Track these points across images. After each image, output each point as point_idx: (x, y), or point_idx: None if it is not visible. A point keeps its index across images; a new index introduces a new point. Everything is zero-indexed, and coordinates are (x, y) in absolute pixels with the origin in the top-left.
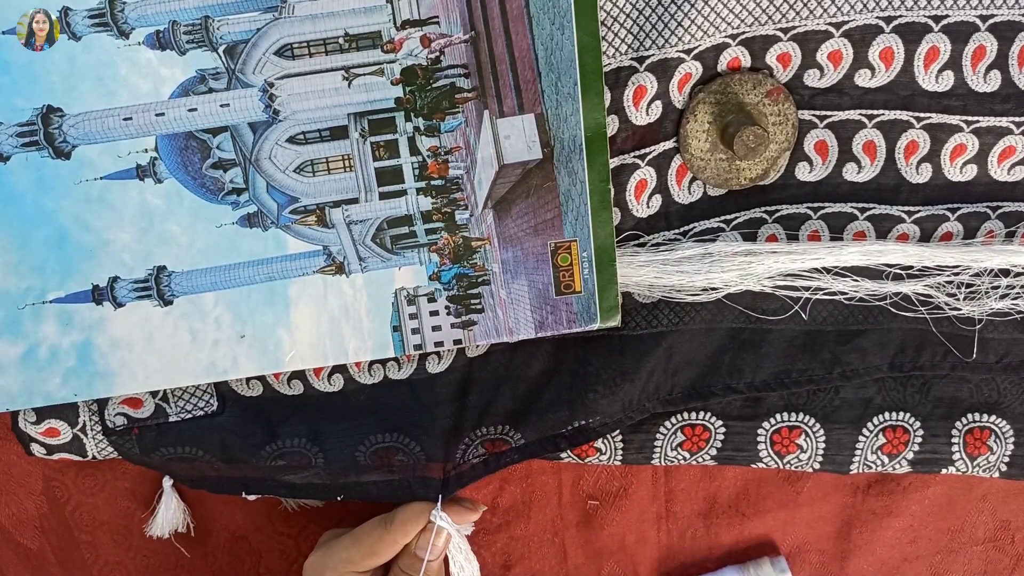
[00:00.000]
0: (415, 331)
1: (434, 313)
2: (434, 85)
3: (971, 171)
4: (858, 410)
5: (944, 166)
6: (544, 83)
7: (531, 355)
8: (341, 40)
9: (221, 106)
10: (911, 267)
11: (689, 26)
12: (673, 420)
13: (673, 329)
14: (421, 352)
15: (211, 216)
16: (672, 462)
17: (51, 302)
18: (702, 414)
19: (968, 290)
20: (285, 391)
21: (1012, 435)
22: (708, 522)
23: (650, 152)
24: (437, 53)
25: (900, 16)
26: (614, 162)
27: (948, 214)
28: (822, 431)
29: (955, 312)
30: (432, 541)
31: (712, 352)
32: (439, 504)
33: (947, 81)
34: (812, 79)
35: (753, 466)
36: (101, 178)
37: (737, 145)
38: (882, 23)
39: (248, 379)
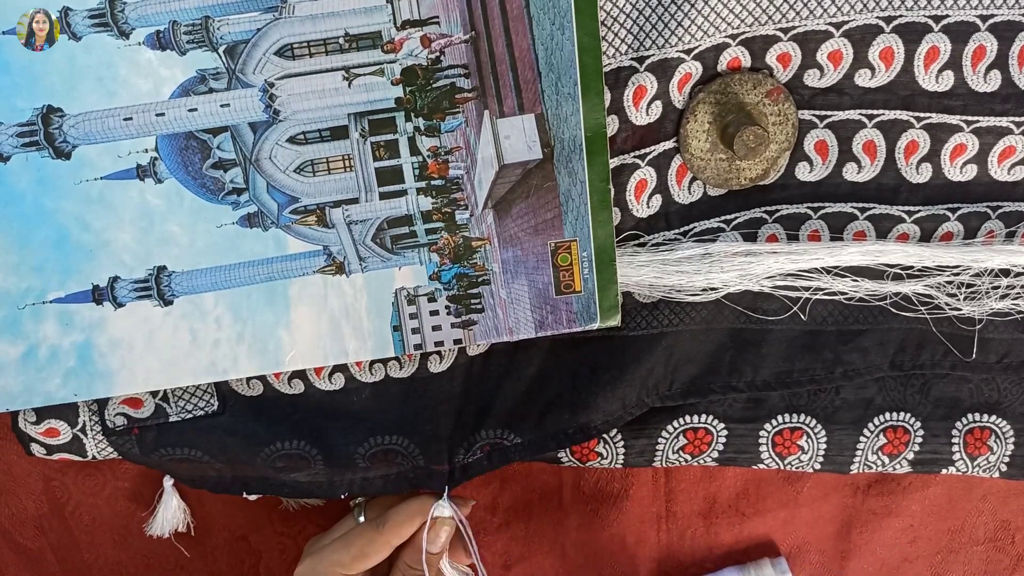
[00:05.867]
0: (415, 331)
1: (434, 313)
2: (434, 85)
3: (971, 171)
4: (859, 411)
5: (944, 166)
6: (544, 83)
7: (531, 355)
8: (341, 40)
9: (221, 106)
10: (911, 267)
11: (689, 26)
12: (675, 424)
13: (673, 329)
14: (421, 352)
15: (211, 216)
16: (673, 464)
17: (51, 302)
18: (704, 417)
19: (968, 290)
20: (286, 390)
21: (1012, 435)
22: (708, 522)
23: (650, 152)
24: (437, 53)
25: (900, 16)
26: (614, 162)
27: (948, 214)
28: (823, 432)
29: (955, 312)
30: (437, 534)
31: (712, 351)
32: (446, 494)
33: (947, 81)
34: (812, 79)
35: (754, 467)
36: (101, 178)
37: (737, 145)
38: (882, 23)
39: (248, 379)
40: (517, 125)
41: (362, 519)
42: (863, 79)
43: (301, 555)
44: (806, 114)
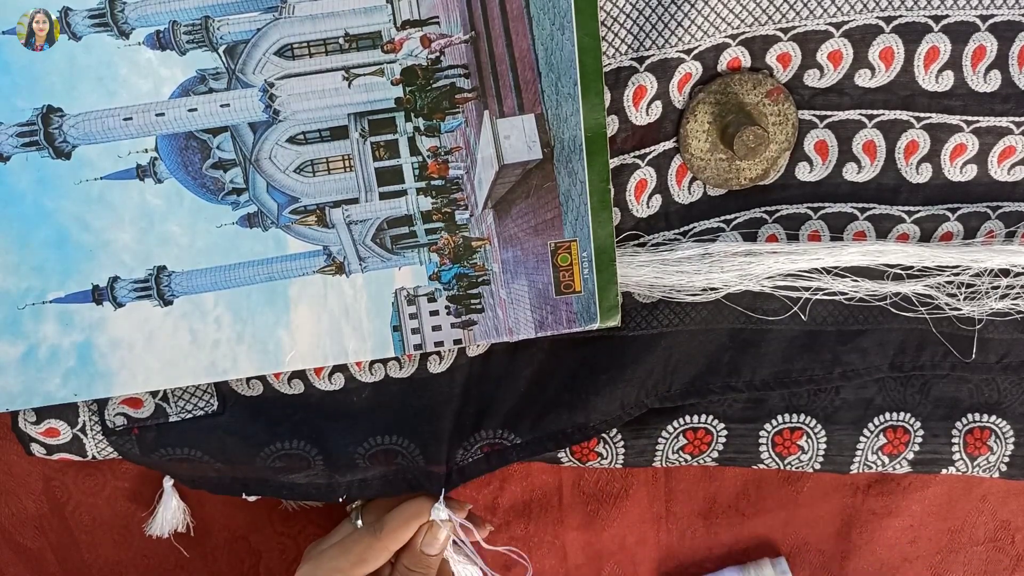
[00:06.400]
0: (415, 331)
1: (434, 313)
2: (434, 85)
3: (971, 171)
4: (859, 411)
5: (944, 166)
6: (544, 83)
7: (531, 355)
8: (341, 40)
9: (221, 106)
10: (911, 267)
11: (689, 26)
12: (675, 424)
13: (673, 329)
14: (421, 352)
15: (211, 216)
16: (673, 464)
17: (51, 302)
18: (704, 417)
19: (968, 290)
20: (286, 390)
21: (1012, 435)
22: (708, 522)
23: (650, 152)
24: (437, 53)
25: (900, 16)
26: (614, 162)
27: (948, 214)
28: (823, 432)
29: (955, 312)
30: (435, 537)
31: (711, 351)
32: (442, 497)
33: (947, 81)
34: (812, 79)
35: (754, 467)
36: (101, 178)
37: (737, 145)
38: (882, 23)
39: (248, 379)
40: (517, 125)
41: (359, 523)
42: (863, 79)
43: (301, 557)
44: (806, 114)
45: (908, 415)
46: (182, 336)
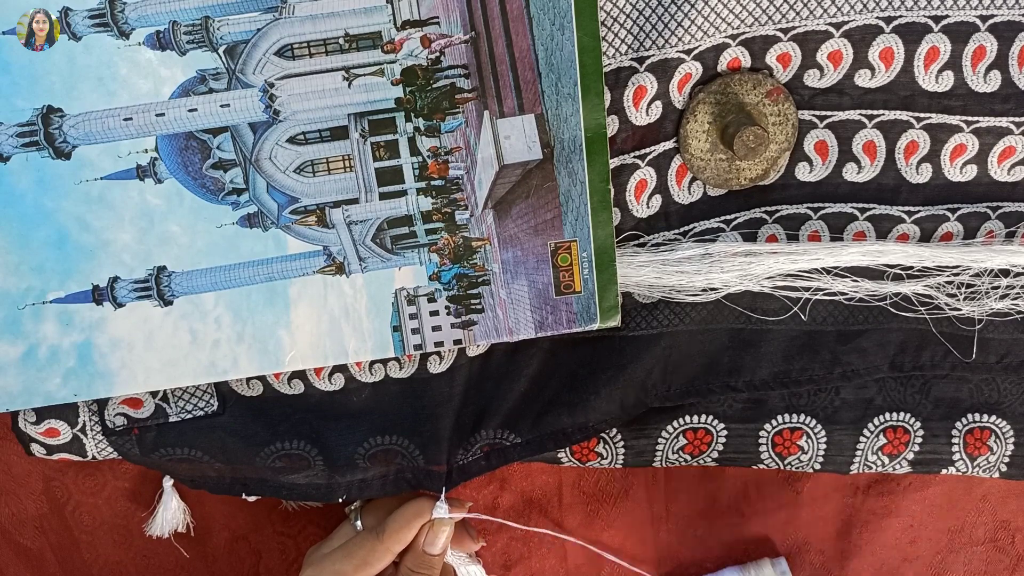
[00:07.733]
0: (415, 331)
1: (434, 313)
2: (434, 85)
3: (971, 171)
4: (859, 411)
5: (944, 166)
6: (544, 83)
7: (531, 355)
8: (341, 40)
9: (221, 106)
10: (911, 267)
11: (689, 26)
12: (675, 424)
13: (672, 329)
14: (421, 352)
15: (211, 216)
16: (673, 464)
17: (51, 302)
18: (704, 417)
19: (968, 290)
20: (286, 391)
21: (1012, 435)
22: (708, 522)
23: (650, 152)
24: (437, 53)
25: (900, 16)
26: (614, 162)
27: (948, 214)
28: (823, 432)
29: (955, 312)
30: (437, 535)
31: (711, 351)
32: (443, 496)
33: (947, 81)
34: (812, 79)
35: (754, 467)
36: (101, 178)
37: (737, 145)
38: (882, 23)
39: (248, 379)
40: (517, 125)
41: (358, 524)
42: (863, 79)
43: (301, 558)
44: (806, 114)
45: (908, 415)
46: (182, 336)
